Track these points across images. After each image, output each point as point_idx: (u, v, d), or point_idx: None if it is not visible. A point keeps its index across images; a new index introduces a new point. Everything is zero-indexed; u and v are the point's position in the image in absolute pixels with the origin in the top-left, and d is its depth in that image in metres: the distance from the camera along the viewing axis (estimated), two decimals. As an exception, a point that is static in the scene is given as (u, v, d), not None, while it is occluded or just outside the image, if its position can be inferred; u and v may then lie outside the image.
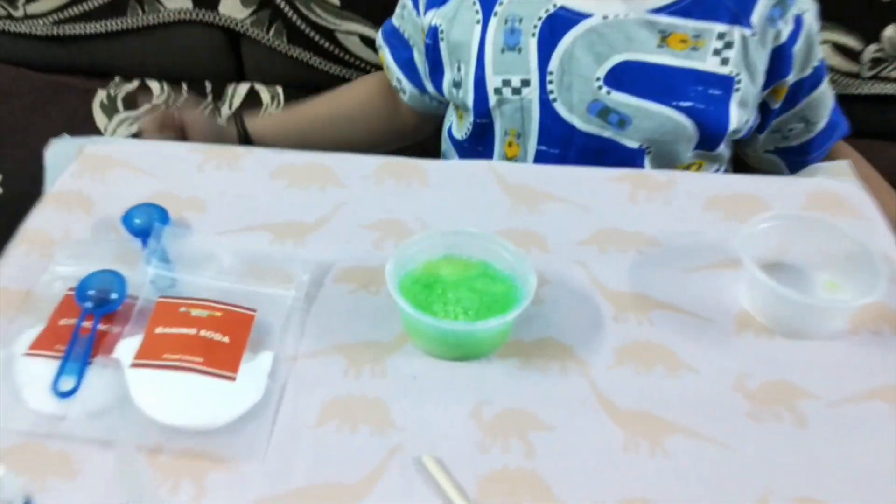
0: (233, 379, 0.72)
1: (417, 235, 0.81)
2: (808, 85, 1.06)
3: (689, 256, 0.87)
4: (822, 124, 1.10)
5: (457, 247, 0.81)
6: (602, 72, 1.00)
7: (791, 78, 1.03)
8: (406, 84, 1.18)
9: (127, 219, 0.86)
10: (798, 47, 1.01)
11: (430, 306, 0.77)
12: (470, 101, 1.06)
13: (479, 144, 1.12)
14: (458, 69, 1.07)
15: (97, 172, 0.95)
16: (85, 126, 1.57)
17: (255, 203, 0.91)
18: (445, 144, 1.19)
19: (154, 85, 1.59)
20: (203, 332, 0.75)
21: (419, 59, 1.15)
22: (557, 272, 0.85)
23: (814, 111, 1.09)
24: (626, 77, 1.00)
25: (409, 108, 1.23)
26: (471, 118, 1.08)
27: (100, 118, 1.60)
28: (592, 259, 0.86)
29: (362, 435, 0.71)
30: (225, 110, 1.54)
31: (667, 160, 1.05)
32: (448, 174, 0.96)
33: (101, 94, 1.60)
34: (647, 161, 1.05)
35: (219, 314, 0.77)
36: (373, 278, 0.83)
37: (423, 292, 0.78)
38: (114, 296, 0.78)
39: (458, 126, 1.14)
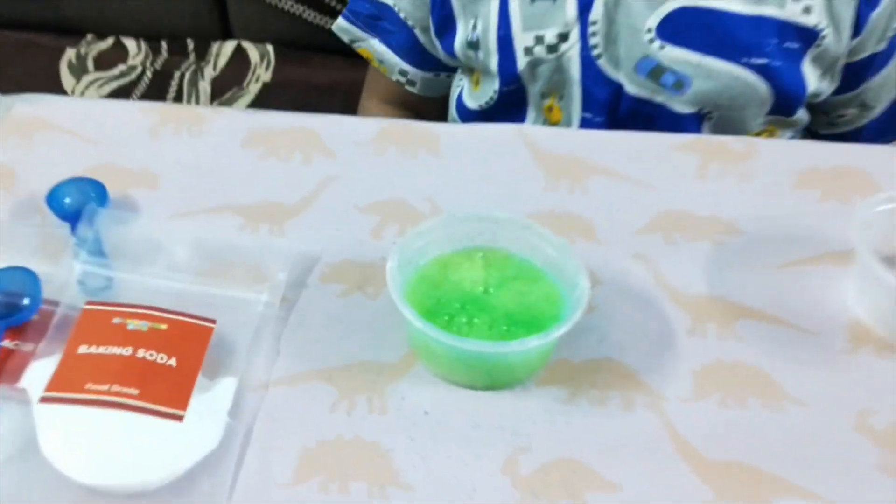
0: (180, 419, 0.53)
1: (428, 222, 0.61)
2: (878, 62, 0.85)
3: (782, 248, 0.67)
4: (879, 109, 0.90)
5: (480, 236, 0.62)
6: (655, 20, 0.79)
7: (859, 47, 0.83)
8: (415, 73, 0.95)
9: (53, 198, 0.67)
10: (879, 12, 0.81)
11: (447, 317, 0.58)
12: (493, 65, 0.86)
13: (505, 115, 0.91)
14: (475, 26, 0.86)
15: (24, 138, 0.75)
16: (50, 88, 1.38)
17: (222, 178, 0.72)
18: (453, 117, 0.98)
19: (130, 43, 1.43)
20: (142, 353, 0.56)
21: (424, 38, 0.93)
22: (611, 269, 0.65)
23: (875, 94, 0.89)
24: (685, 27, 0.80)
25: (419, 100, 0.99)
26: (495, 85, 0.87)
27: (67, 79, 1.45)
28: (656, 251, 0.67)
29: (356, 496, 0.52)
30: (209, 71, 1.36)
31: (731, 128, 0.85)
32: (466, 141, 0.76)
33: (69, 53, 1.46)
34: (705, 130, 0.85)
35: (164, 326, 0.58)
36: (370, 277, 0.64)
37: (436, 298, 0.59)
38: (25, 301, 0.59)
39: (472, 93, 0.92)
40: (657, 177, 0.73)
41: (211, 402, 0.55)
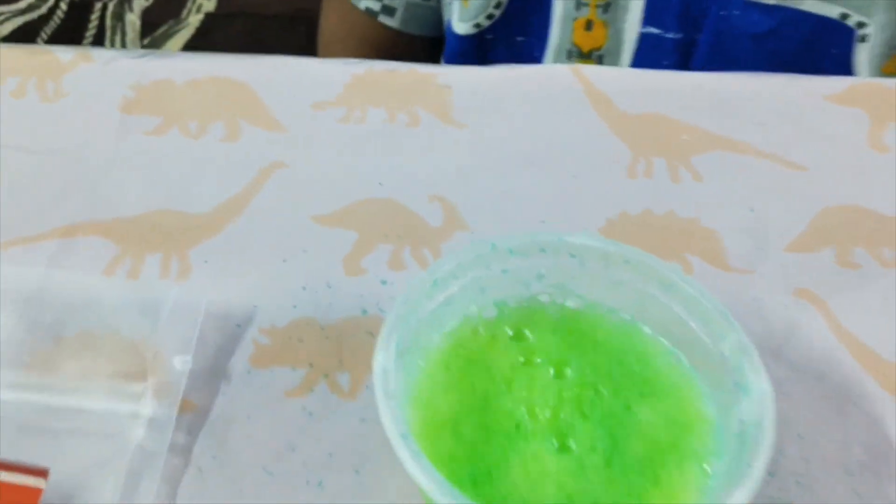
0: None
1: (447, 258, 0.33)
2: None
3: None
4: None
5: (542, 283, 0.34)
6: None
7: None
8: None
9: None
10: None
11: (498, 447, 0.30)
12: None
13: (518, 32, 0.61)
14: None
15: None
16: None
17: (84, 171, 0.43)
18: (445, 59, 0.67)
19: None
20: None
21: None
22: (762, 323, 0.38)
23: None
24: None
25: (399, 43, 0.69)
26: None
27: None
28: (828, 284, 0.39)
29: None
30: (139, 1, 1.07)
31: None
32: (493, 95, 0.47)
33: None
34: (860, 58, 0.56)
35: (-60, 494, 0.30)
36: (345, 351, 0.36)
37: (472, 408, 0.31)
38: None
39: (463, 12, 0.62)
40: (808, 150, 0.45)
41: None
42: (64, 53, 0.49)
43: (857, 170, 0.45)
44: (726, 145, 0.45)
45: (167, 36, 1.11)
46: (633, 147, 0.44)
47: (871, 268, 0.40)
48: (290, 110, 0.46)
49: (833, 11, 0.54)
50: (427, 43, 0.69)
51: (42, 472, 0.31)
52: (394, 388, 0.29)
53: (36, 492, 0.30)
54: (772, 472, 0.33)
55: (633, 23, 0.58)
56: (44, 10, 1.13)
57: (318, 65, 0.49)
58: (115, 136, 0.44)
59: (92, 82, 0.47)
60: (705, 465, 0.30)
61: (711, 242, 0.41)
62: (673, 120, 0.45)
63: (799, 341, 0.37)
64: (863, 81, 0.50)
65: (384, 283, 0.39)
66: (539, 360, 0.32)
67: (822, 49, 0.55)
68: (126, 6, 1.15)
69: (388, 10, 0.67)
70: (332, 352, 0.36)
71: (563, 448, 0.30)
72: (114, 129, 0.45)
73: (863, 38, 0.55)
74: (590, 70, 0.48)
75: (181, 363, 0.34)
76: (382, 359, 0.29)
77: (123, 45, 1.14)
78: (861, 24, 0.54)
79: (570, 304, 0.34)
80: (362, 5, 0.66)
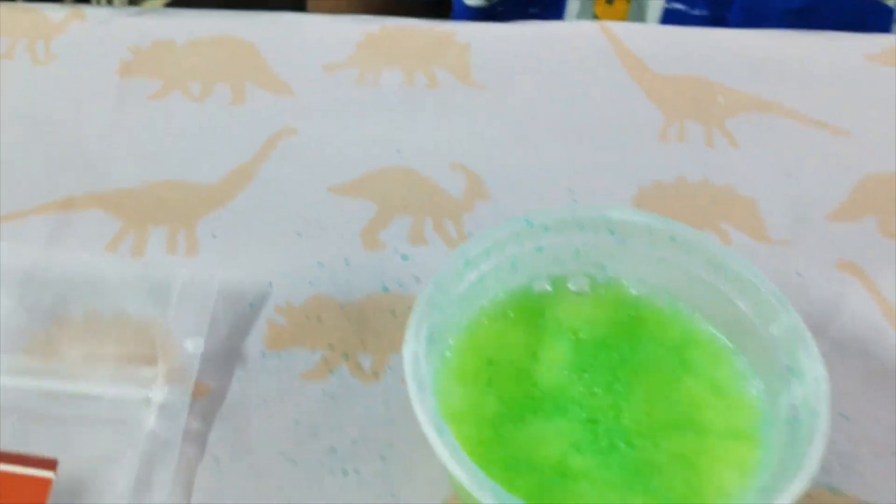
0: None
1: (479, 235, 0.31)
2: None
3: None
4: None
5: (584, 256, 0.32)
6: None
7: None
8: None
9: None
10: None
11: (531, 430, 0.28)
12: None
13: (531, 3, 0.58)
14: None
15: None
16: None
17: (82, 138, 0.40)
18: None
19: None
20: None
21: None
22: (805, 298, 0.36)
23: None
24: None
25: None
26: None
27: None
28: (872, 255, 0.37)
29: None
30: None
31: None
32: (515, 54, 0.45)
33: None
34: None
35: (-59, 490, 0.28)
36: (367, 331, 0.34)
37: (505, 392, 0.29)
38: None
39: None
40: (849, 114, 0.43)
41: None
42: (54, 11, 0.45)
43: (899, 134, 0.42)
44: (763, 107, 0.43)
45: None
46: (666, 111, 0.42)
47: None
48: (299, 72, 0.43)
49: None
50: (426, 6, 0.66)
51: (51, 464, 0.29)
52: (426, 376, 0.27)
53: (45, 483, 0.28)
54: (820, 457, 0.31)
55: None
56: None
57: (329, 23, 0.46)
58: (114, 101, 0.42)
59: (86, 44, 0.44)
60: (753, 451, 0.28)
61: (749, 211, 0.39)
62: (708, 81, 0.43)
63: (843, 317, 0.35)
64: (904, 39, 0.47)
65: (405, 258, 0.36)
66: (573, 341, 0.30)
67: (860, 29, 0.53)
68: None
69: None
70: (352, 332, 0.34)
71: (597, 431, 0.28)
72: (112, 94, 0.42)
73: None
74: (619, 27, 0.45)
75: (193, 346, 0.32)
76: (413, 346, 0.27)
77: (109, 1, 1.09)
78: None
79: (606, 282, 0.32)
80: None
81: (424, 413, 0.26)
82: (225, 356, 0.33)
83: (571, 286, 0.32)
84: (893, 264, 0.37)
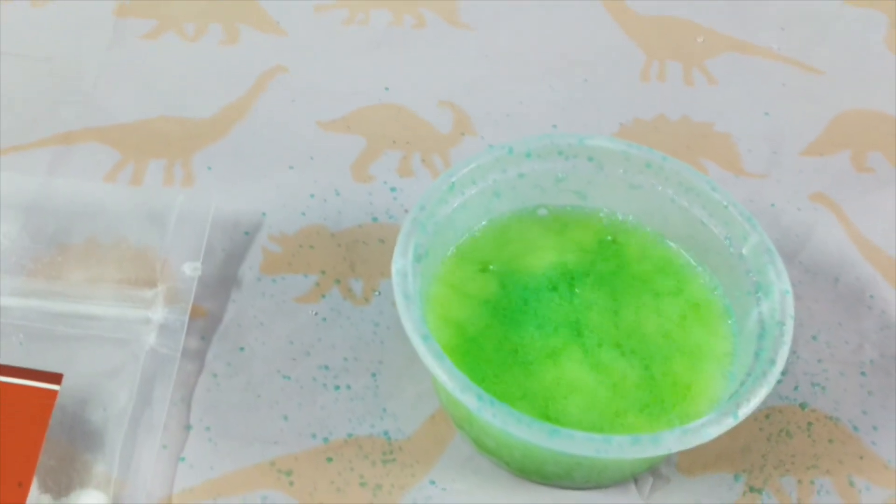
0: None
1: (465, 162, 0.32)
2: None
3: None
4: None
5: (560, 187, 0.33)
6: None
7: None
8: None
9: None
10: None
11: (514, 356, 0.30)
12: None
13: None
14: None
15: None
16: None
17: (80, 75, 0.41)
18: None
19: None
20: None
21: None
22: (778, 228, 0.37)
23: None
24: None
25: None
26: None
27: None
28: (846, 189, 0.39)
29: None
30: None
31: None
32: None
33: None
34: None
35: (-46, 399, 0.30)
36: (357, 257, 0.36)
37: (491, 318, 0.31)
38: None
39: None
40: (825, 53, 0.44)
41: (55, 550, 0.28)
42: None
43: (875, 73, 0.44)
44: (742, 48, 0.44)
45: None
46: (646, 50, 0.43)
47: (887, 172, 0.40)
48: (290, 13, 0.44)
49: None
50: None
51: (56, 378, 0.30)
52: (412, 290, 0.28)
53: (51, 395, 0.30)
54: (784, 371, 0.33)
55: None
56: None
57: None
58: (110, 40, 0.43)
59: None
60: (724, 363, 0.30)
61: (727, 147, 0.40)
62: (688, 22, 0.44)
63: (814, 245, 0.37)
64: (882, -18, 0.48)
65: (393, 189, 0.38)
66: (559, 260, 0.32)
67: None
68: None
69: None
70: (343, 258, 0.35)
71: (582, 340, 0.30)
72: (108, 34, 0.43)
73: None
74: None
75: (191, 269, 0.33)
76: (401, 263, 0.29)
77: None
78: None
79: (586, 208, 0.33)
80: None
81: (411, 322, 0.27)
82: (221, 280, 0.35)
83: (553, 211, 0.33)
84: (863, 196, 0.39)
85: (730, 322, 0.31)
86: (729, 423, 0.26)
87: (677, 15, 0.45)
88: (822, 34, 0.45)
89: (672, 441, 0.26)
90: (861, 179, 0.39)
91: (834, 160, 0.40)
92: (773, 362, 0.27)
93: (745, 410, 0.26)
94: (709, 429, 0.26)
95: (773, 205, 0.38)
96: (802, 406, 0.33)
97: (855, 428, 0.32)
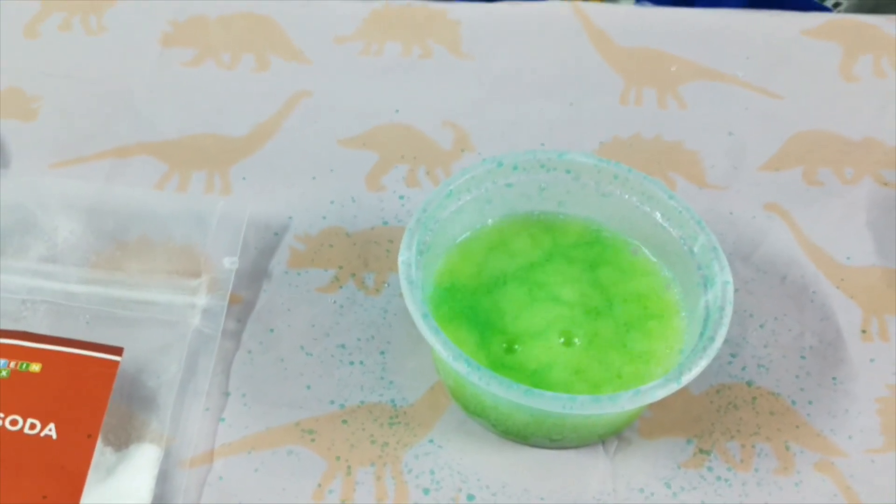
0: (63, 533, 0.32)
1: (459, 175, 0.38)
2: None
3: None
4: None
5: (542, 196, 0.39)
6: None
7: None
8: None
9: None
10: None
11: (502, 338, 0.36)
12: None
13: None
14: None
15: None
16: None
17: (131, 98, 0.47)
18: None
19: None
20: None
21: None
22: (734, 232, 0.43)
23: None
24: None
25: None
26: None
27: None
28: (795, 199, 0.44)
29: None
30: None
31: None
32: (498, 30, 0.52)
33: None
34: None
35: (36, 367, 0.35)
36: (369, 255, 0.42)
37: (481, 303, 0.37)
38: None
39: None
40: (785, 80, 0.50)
41: (118, 490, 0.34)
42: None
43: (828, 98, 0.49)
44: (710, 75, 0.50)
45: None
46: (625, 77, 0.49)
47: (834, 185, 0.45)
48: (314, 44, 0.50)
49: None
50: None
51: (118, 351, 0.36)
52: (415, 278, 0.34)
53: (114, 365, 0.36)
54: (734, 354, 0.39)
55: None
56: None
57: (340, 1, 0.53)
58: (156, 67, 0.49)
59: (132, 18, 0.51)
60: (676, 345, 0.36)
61: (693, 163, 0.46)
62: (664, 53, 0.50)
63: (766, 248, 0.43)
64: (839, 17, 0.54)
65: (402, 198, 0.44)
66: (531, 262, 0.38)
67: None
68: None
69: None
70: (358, 256, 0.41)
71: (564, 317, 0.36)
72: (154, 61, 0.49)
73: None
74: (590, 7, 0.52)
75: (229, 263, 0.40)
76: (406, 255, 0.35)
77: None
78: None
79: (565, 214, 0.39)
80: None
81: (413, 303, 0.33)
82: (255, 273, 0.41)
83: (537, 216, 0.39)
84: (811, 205, 0.44)
85: (682, 309, 0.37)
86: (673, 386, 0.31)
87: (653, 46, 0.51)
88: (783, 63, 0.50)
89: (625, 400, 0.31)
90: (811, 192, 0.45)
91: (788, 175, 0.46)
92: (712, 339, 0.33)
93: (687, 377, 0.32)
94: (656, 391, 0.31)
95: (731, 213, 0.44)
96: (749, 384, 0.38)
97: (793, 402, 0.38)
